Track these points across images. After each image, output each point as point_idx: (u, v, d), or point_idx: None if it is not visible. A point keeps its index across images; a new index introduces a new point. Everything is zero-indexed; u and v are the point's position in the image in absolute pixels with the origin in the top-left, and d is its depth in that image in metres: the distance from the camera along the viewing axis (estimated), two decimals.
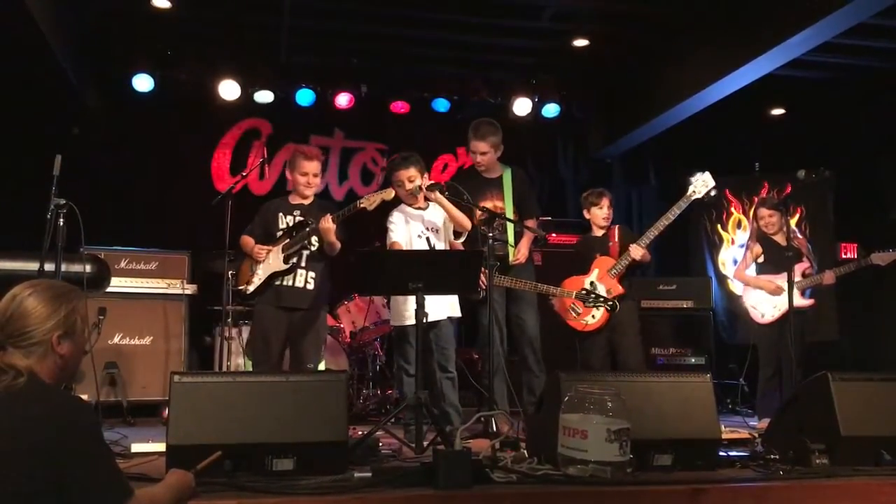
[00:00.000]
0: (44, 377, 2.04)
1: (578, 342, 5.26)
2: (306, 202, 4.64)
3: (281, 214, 4.62)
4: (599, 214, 5.34)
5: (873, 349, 7.23)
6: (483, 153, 5.09)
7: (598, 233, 5.39)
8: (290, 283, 4.47)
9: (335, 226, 4.36)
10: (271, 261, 4.50)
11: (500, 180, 5.21)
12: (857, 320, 7.17)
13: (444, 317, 4.55)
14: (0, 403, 1.92)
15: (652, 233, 5.15)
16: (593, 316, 5.15)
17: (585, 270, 5.25)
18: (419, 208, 4.68)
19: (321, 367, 4.90)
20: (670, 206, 5.07)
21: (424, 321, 3.99)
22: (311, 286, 4.49)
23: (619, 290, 5.10)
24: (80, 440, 1.94)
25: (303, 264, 4.49)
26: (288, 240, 4.50)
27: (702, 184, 5.07)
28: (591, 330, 5.17)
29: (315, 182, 4.63)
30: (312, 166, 4.58)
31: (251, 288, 4.54)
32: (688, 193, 5.12)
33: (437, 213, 4.67)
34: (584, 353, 5.26)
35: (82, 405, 2.07)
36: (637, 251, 5.08)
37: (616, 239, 5.27)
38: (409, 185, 4.58)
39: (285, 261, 4.45)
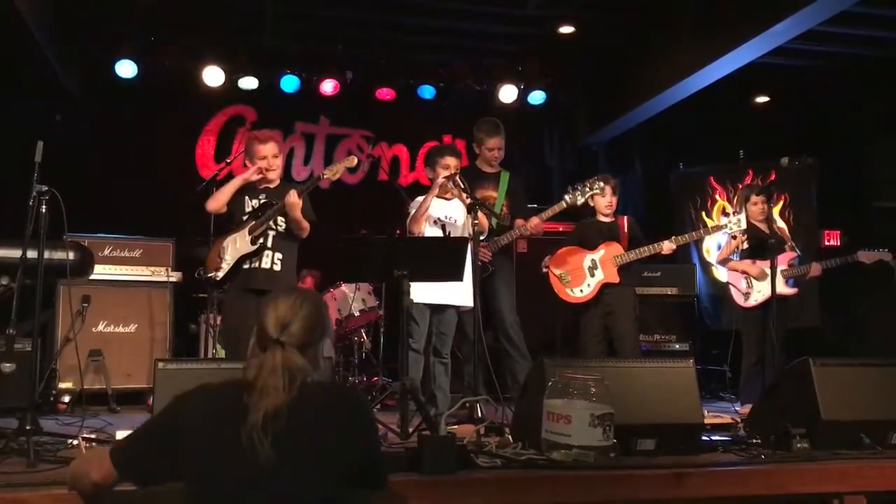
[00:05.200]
0: (313, 375, 2.14)
1: (579, 320, 5.40)
2: (272, 185, 4.57)
3: (247, 198, 4.53)
4: (602, 202, 5.39)
5: (854, 335, 7.31)
6: (500, 148, 5.41)
7: (605, 219, 5.45)
8: (258, 265, 4.40)
9: (300, 200, 4.31)
10: (238, 244, 4.42)
11: (498, 176, 5.45)
12: (838, 307, 7.24)
13: (450, 303, 4.60)
14: (300, 403, 1.99)
15: (683, 239, 5.39)
16: (581, 290, 5.27)
17: (592, 248, 5.33)
18: (444, 198, 4.77)
19: None
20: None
21: (410, 306, 4.03)
22: (277, 267, 4.42)
23: (616, 278, 5.23)
24: (367, 428, 2.13)
25: (269, 245, 4.42)
26: (254, 222, 4.42)
27: (735, 222, 5.37)
28: (582, 302, 5.27)
29: (276, 163, 4.53)
30: (268, 148, 4.51)
31: (220, 274, 4.46)
32: (721, 223, 5.53)
33: (459, 207, 4.75)
34: (580, 334, 5.37)
35: (364, 397, 2.27)
36: (669, 247, 5.30)
37: (626, 229, 5.35)
38: (444, 173, 4.66)
39: (252, 242, 4.38)
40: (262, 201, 4.49)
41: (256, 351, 2.11)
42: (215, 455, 1.96)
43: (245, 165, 4.71)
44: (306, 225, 4.41)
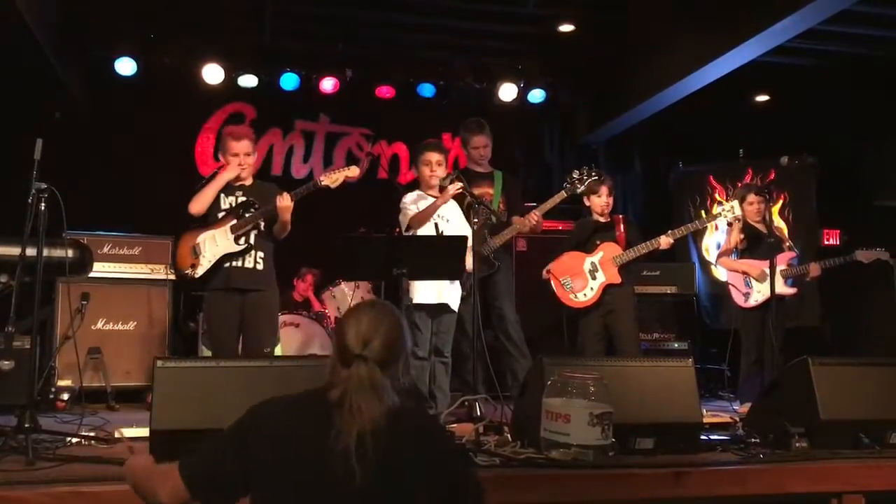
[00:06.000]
0: (394, 397, 2.05)
1: (578, 319, 5.42)
2: (246, 183, 4.55)
3: (222, 195, 4.50)
4: (598, 202, 5.40)
5: (853, 334, 7.30)
6: (485, 146, 5.43)
7: (601, 219, 5.45)
8: (240, 263, 4.39)
9: (292, 204, 4.30)
10: (219, 242, 4.39)
11: (492, 175, 5.49)
12: (837, 306, 7.23)
13: (449, 301, 4.61)
14: (396, 419, 1.93)
15: (680, 231, 5.44)
16: (585, 294, 5.28)
17: (590, 250, 5.34)
18: (436, 196, 4.73)
19: (277, 350, 4.87)
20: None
21: (409, 304, 4.03)
22: (260, 266, 4.42)
23: (618, 279, 5.25)
24: (451, 452, 2.09)
25: (252, 242, 4.40)
26: (235, 220, 4.39)
27: (729, 209, 5.37)
28: (584, 307, 5.28)
29: (248, 161, 4.50)
30: (242, 146, 4.47)
31: (199, 271, 4.41)
32: (714, 212, 5.53)
33: (453, 206, 4.73)
34: (579, 333, 5.38)
35: (439, 421, 2.30)
36: (666, 241, 5.31)
37: (622, 229, 5.35)
38: (436, 168, 4.64)
39: (236, 241, 4.37)
40: (239, 199, 4.47)
41: (338, 368, 2.03)
42: (295, 477, 1.88)
43: (217, 159, 4.65)
44: (289, 228, 4.41)
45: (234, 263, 4.39)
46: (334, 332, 2.11)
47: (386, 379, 1.99)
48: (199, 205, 4.44)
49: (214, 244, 4.40)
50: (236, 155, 4.46)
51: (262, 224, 4.42)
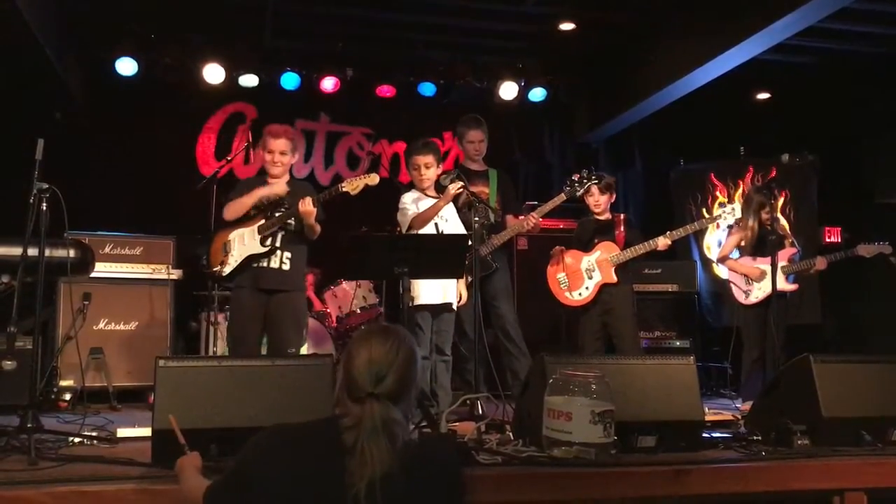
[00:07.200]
0: (408, 432, 1.99)
1: (577, 319, 5.45)
2: (282, 182, 4.57)
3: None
4: (590, 201, 5.41)
5: (855, 332, 7.30)
6: (481, 141, 5.47)
7: (601, 217, 5.45)
8: (267, 264, 4.39)
9: (315, 209, 4.30)
10: (247, 241, 4.40)
11: (487, 174, 5.50)
12: (838, 304, 7.24)
13: (447, 300, 4.62)
14: (408, 460, 1.85)
15: (679, 233, 5.43)
16: (580, 293, 5.29)
17: (588, 249, 5.34)
18: (434, 196, 4.73)
19: (303, 350, 4.87)
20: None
21: (411, 303, 4.03)
22: (287, 267, 4.42)
23: (613, 279, 5.25)
24: (461, 488, 1.97)
25: (278, 244, 4.41)
26: (263, 220, 4.41)
27: (730, 212, 5.46)
28: (582, 305, 5.29)
29: (282, 160, 4.50)
30: (279, 144, 4.48)
31: (227, 269, 4.43)
32: (715, 214, 5.55)
33: (450, 206, 4.74)
34: (579, 333, 5.39)
35: (455, 453, 2.35)
36: (664, 243, 5.30)
37: (622, 227, 5.36)
38: (424, 171, 4.65)
39: (262, 242, 4.37)
40: (270, 199, 4.48)
41: (346, 401, 1.91)
42: None
43: (248, 159, 4.67)
44: (318, 230, 4.41)
45: (261, 264, 4.41)
46: (342, 361, 1.97)
47: (399, 412, 1.90)
48: (232, 214, 4.47)
49: (242, 243, 4.43)
50: (272, 152, 4.48)
51: (293, 224, 4.42)
